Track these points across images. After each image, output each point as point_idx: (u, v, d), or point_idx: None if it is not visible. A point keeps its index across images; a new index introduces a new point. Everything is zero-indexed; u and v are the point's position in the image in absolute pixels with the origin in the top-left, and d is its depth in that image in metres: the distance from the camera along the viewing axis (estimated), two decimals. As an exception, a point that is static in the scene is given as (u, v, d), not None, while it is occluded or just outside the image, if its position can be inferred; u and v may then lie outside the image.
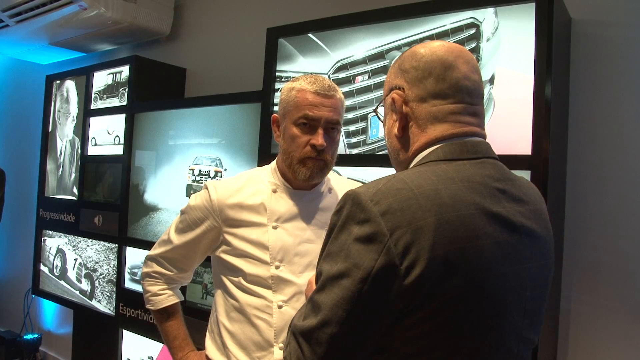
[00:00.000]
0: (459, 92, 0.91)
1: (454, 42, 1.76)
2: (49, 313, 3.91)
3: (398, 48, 1.86)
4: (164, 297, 1.48)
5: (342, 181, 1.54)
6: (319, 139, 1.30)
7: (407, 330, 0.78)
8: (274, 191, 1.39)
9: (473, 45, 1.71)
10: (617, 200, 1.72)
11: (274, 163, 1.45)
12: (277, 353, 1.32)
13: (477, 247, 0.80)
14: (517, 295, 0.86)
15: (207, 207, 1.38)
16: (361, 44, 1.95)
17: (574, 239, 1.78)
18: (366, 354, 0.80)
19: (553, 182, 1.59)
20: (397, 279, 0.76)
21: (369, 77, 1.93)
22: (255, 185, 1.41)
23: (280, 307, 1.33)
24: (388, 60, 1.88)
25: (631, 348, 1.67)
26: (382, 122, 1.05)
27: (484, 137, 0.94)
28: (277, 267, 1.34)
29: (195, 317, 2.29)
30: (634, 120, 1.71)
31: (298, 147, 1.32)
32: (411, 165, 0.93)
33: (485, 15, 1.69)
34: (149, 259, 1.51)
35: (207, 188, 1.40)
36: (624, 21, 1.73)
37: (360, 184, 1.59)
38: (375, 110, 1.13)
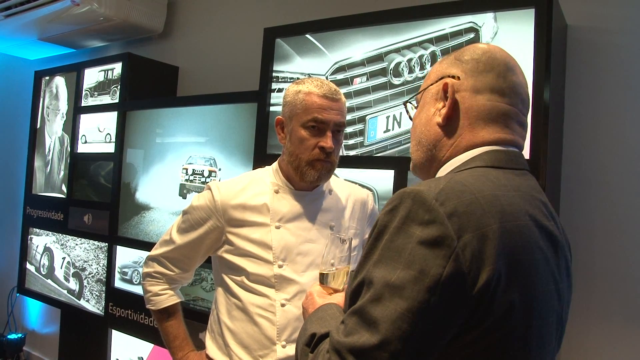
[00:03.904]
0: (516, 96, 0.88)
1: (452, 46, 1.80)
2: (34, 312, 3.85)
3: (397, 51, 1.88)
4: (165, 297, 1.48)
5: (340, 183, 1.56)
6: (328, 142, 1.33)
7: (461, 350, 0.71)
8: (276, 192, 1.41)
9: (472, 49, 1.73)
10: (611, 203, 1.76)
11: (275, 164, 1.47)
12: (280, 351, 1.32)
13: (532, 262, 0.76)
14: (556, 315, 0.83)
15: (211, 207, 1.39)
16: (359, 46, 1.96)
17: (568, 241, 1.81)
18: None
19: (550, 185, 1.62)
20: (464, 290, 0.69)
21: (367, 79, 1.94)
22: (257, 186, 1.42)
23: (283, 305, 1.34)
24: (386, 63, 1.90)
25: (625, 349, 1.71)
26: (409, 115, 1.00)
27: (522, 149, 0.92)
28: (280, 266, 1.35)
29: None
30: (628, 124, 1.75)
31: (307, 149, 1.34)
32: (452, 166, 0.87)
33: (485, 20, 1.71)
34: (150, 259, 1.50)
35: (210, 189, 1.41)
36: (618, 28, 1.77)
37: (357, 185, 1.61)
38: (406, 102, 1.03)
